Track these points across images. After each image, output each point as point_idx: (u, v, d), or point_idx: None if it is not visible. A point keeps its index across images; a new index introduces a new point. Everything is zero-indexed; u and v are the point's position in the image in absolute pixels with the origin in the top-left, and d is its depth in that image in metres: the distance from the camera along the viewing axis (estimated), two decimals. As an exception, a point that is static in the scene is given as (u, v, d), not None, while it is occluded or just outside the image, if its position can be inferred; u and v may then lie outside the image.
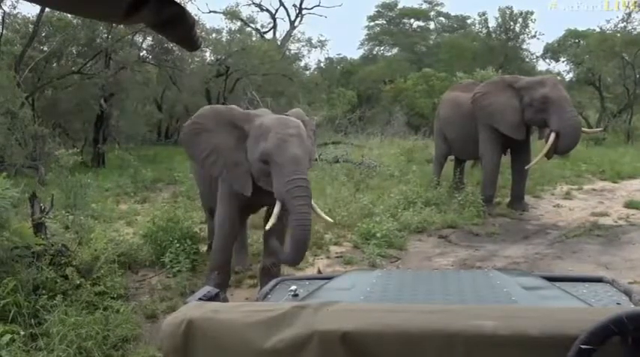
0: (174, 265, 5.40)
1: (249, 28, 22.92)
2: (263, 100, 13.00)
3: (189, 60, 17.77)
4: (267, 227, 4.57)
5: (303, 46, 23.44)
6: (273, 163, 4.38)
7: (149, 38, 15.51)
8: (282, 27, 27.33)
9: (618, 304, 1.96)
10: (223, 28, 20.73)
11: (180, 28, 0.87)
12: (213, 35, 19.04)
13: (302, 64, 24.26)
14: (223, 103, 17.69)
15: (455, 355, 1.19)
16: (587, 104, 19.78)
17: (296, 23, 24.31)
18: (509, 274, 2.27)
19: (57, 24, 13.50)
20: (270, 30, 24.36)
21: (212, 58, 19.04)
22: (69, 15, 11.06)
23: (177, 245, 5.57)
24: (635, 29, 19.32)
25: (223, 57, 18.27)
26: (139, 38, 15.51)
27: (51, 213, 5.28)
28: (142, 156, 13.25)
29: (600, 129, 13.78)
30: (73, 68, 14.02)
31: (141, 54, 15.88)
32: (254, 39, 21.52)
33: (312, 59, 37.46)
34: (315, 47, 23.61)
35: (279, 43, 22.76)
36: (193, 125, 4.90)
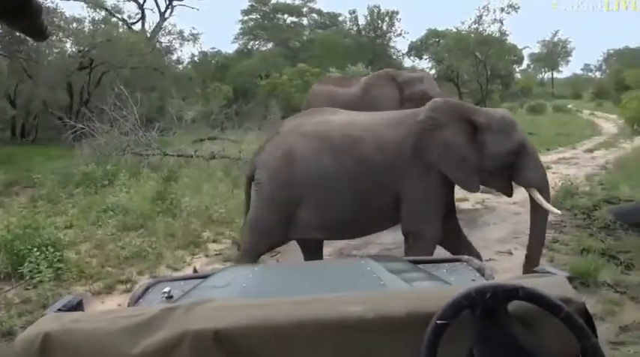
0: (34, 276, 4.94)
1: (114, 19, 21.60)
2: (132, 94, 12.32)
3: (47, 51, 16.32)
4: (553, 211, 4.57)
5: (174, 39, 22.62)
6: (526, 153, 4.44)
7: (-3, 26, 13.97)
8: (152, 18, 26.10)
9: (473, 280, 2.15)
10: (85, 18, 19.32)
11: (26, 17, 0.79)
12: (74, 25, 17.65)
13: (174, 57, 23.41)
14: (87, 99, 16.56)
15: (325, 343, 1.23)
16: (448, 99, 21.46)
17: (166, 15, 23.44)
18: (379, 260, 2.38)
19: None
20: (138, 21, 23.23)
21: (73, 49, 17.66)
22: None
23: (38, 253, 5.09)
24: (485, 30, 21.32)
25: (86, 49, 17.04)
26: (-16, 26, 13.91)
27: None
28: (-6, 157, 11.93)
29: None
30: None
31: (-12, 44, 14.28)
32: (121, 30, 20.32)
33: (185, 53, 36.16)
34: (188, 40, 22.88)
35: (148, 35, 21.74)
36: (428, 120, 4.38)
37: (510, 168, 4.42)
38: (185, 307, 1.32)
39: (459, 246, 4.60)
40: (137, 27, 22.87)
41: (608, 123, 22.49)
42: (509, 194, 4.68)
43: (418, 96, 8.34)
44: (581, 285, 4.65)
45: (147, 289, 2.27)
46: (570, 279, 1.47)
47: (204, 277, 2.33)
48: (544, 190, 4.47)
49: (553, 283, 1.39)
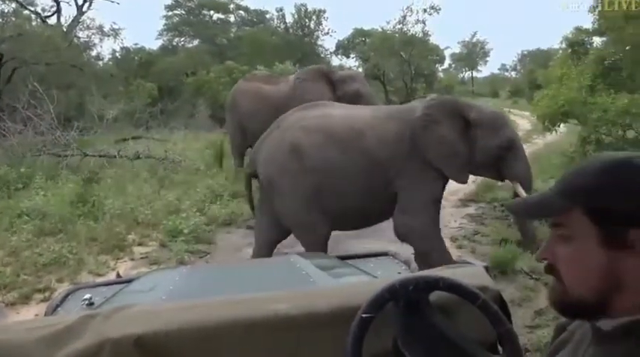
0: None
1: (26, 11, 20.29)
2: (48, 92, 11.62)
3: (-51, 45, 15.10)
4: None
5: (93, 34, 21.59)
6: (516, 147, 4.77)
7: None
8: (68, 12, 24.73)
9: (399, 273, 2.22)
10: (-7, 10, 18.03)
11: None
12: (-19, 17, 16.44)
13: (94, 53, 22.35)
14: (-2, 97, 15.46)
15: (254, 342, 1.22)
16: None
17: (84, 8, 22.23)
18: (308, 257, 2.40)
19: None
20: (53, 14, 21.87)
21: (-20, 44, 16.42)
22: None
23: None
24: (409, 30, 21.99)
25: (-5, 43, 15.89)
26: None
27: None
28: None
29: None
30: None
31: None
32: (34, 24, 19.13)
33: (106, 49, 34.80)
34: (108, 36, 21.88)
35: (64, 29, 20.60)
36: (424, 117, 4.53)
37: (499, 161, 4.74)
38: (105, 314, 1.27)
39: None
40: (52, 21, 21.60)
41: (523, 120, 23.77)
42: (502, 180, 5.25)
43: (351, 95, 8.42)
44: (500, 274, 4.91)
45: (66, 296, 2.17)
46: (487, 268, 1.55)
47: (129, 281, 2.25)
48: (526, 184, 4.83)
49: (471, 273, 1.46)
